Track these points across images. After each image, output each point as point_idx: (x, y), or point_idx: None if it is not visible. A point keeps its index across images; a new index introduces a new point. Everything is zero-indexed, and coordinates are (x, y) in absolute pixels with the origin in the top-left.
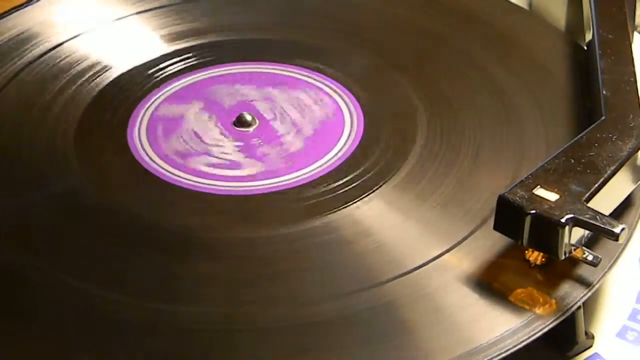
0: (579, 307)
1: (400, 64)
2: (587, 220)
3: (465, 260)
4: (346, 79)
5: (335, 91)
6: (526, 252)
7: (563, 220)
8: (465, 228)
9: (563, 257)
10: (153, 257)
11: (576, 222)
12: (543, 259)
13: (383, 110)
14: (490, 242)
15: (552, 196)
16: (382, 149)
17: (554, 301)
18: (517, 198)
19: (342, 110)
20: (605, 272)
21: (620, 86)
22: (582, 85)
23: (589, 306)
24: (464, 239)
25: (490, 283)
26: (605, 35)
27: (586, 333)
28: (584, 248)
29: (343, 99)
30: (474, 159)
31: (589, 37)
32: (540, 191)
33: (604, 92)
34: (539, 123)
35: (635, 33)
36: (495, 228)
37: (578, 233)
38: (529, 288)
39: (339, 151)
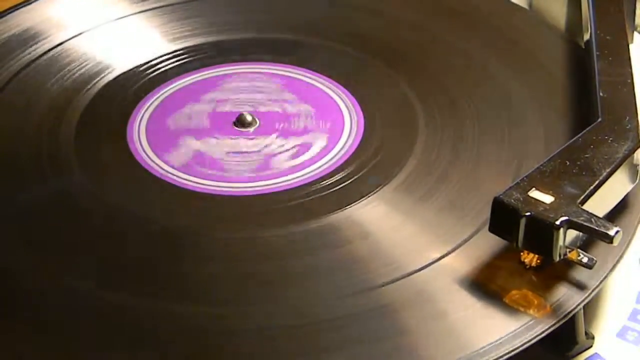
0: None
1: (400, 65)
2: (582, 222)
3: (465, 263)
4: (346, 80)
5: (335, 92)
6: (522, 254)
7: (557, 222)
8: (464, 230)
9: (558, 259)
10: (152, 257)
11: (571, 225)
12: (538, 261)
13: (383, 111)
14: (488, 245)
15: (547, 198)
16: (382, 150)
17: (548, 304)
18: (512, 200)
19: (342, 111)
20: (605, 276)
21: (617, 88)
22: (582, 86)
23: (589, 306)
24: (464, 241)
25: (487, 285)
26: (602, 37)
27: (586, 333)
28: (578, 250)
29: (343, 100)
30: (473, 161)
31: (587, 37)
32: (535, 193)
33: (601, 93)
34: (539, 125)
35: (635, 33)
36: (491, 230)
37: (573, 235)
38: (524, 290)
39: (339, 152)
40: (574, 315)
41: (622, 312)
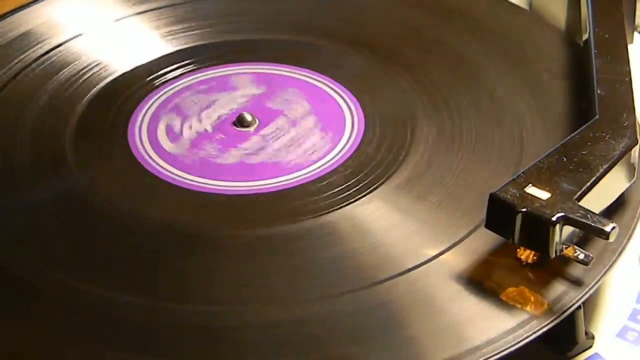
0: (579, 307)
1: (400, 64)
2: (578, 218)
3: (461, 260)
4: (347, 80)
5: (336, 91)
6: (518, 250)
7: (554, 218)
8: (461, 228)
9: (554, 256)
10: (153, 256)
11: (567, 221)
12: (535, 258)
13: (383, 110)
14: (485, 242)
15: (544, 194)
16: (382, 149)
17: (546, 300)
18: (509, 196)
19: (342, 111)
20: (603, 273)
21: (615, 85)
22: (580, 85)
23: (589, 306)
24: (462, 239)
25: (483, 282)
26: (601, 35)
27: (586, 333)
28: (575, 247)
29: (344, 99)
30: (471, 159)
31: (585, 37)
32: (531, 189)
33: (599, 91)
34: (538, 123)
35: (635, 33)
36: (487, 226)
37: (569, 231)
38: (521, 287)
39: (340, 151)
40: (573, 315)
41: (622, 312)
